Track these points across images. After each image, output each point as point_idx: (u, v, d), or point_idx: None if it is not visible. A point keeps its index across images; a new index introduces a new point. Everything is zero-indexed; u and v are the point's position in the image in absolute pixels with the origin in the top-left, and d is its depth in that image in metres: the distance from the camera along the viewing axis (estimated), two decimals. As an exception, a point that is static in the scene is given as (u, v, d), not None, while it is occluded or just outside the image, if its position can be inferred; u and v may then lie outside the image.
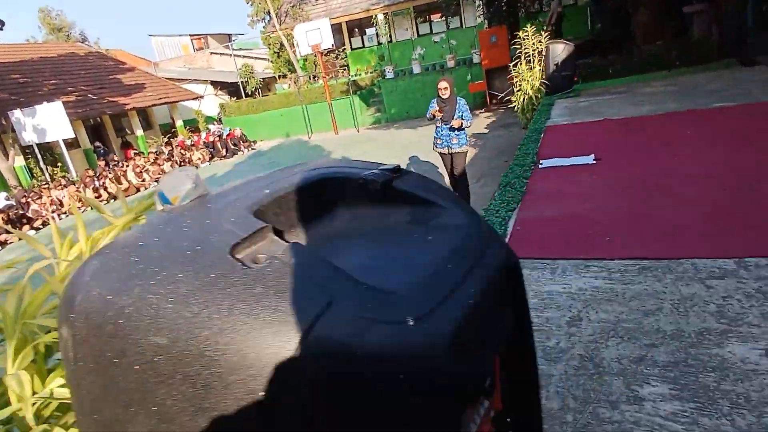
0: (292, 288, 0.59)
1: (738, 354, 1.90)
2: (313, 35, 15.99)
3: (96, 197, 13.06)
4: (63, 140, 14.11)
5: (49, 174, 14.80)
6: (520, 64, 9.04)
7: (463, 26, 18.80)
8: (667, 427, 1.64)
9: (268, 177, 0.92)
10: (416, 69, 16.71)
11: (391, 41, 19.79)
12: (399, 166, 0.95)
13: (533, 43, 8.96)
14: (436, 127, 6.30)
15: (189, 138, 18.65)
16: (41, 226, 11.86)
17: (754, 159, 3.98)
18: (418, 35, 19.78)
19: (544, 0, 17.12)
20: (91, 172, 14.05)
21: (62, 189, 13.05)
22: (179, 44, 29.43)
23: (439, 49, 18.92)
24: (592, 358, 2.05)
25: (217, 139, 17.59)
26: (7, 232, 11.33)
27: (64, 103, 14.53)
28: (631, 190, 3.81)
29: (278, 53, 22.91)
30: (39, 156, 14.37)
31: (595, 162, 4.60)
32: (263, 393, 0.55)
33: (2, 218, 11.38)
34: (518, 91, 8.99)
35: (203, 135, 18.21)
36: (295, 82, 20.81)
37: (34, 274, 1.36)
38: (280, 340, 0.56)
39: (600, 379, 1.92)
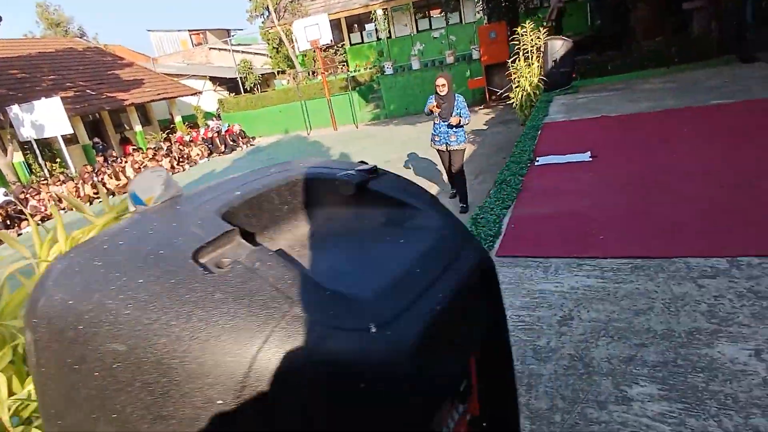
0: (253, 294, 0.58)
1: (727, 354, 1.89)
2: (311, 31, 15.93)
3: (94, 193, 13.06)
4: (61, 136, 14.08)
5: (48, 170, 14.79)
6: (519, 60, 9.01)
7: (463, 22, 18.73)
8: (654, 428, 1.64)
9: (242, 178, 0.90)
10: (415, 65, 16.66)
11: (390, 37, 19.72)
12: (376, 166, 0.94)
13: (532, 40, 8.92)
14: (434, 123, 6.28)
15: (188, 134, 18.62)
16: (40, 222, 11.86)
17: (751, 156, 3.96)
18: (418, 31, 19.71)
19: (544, -4, 17.06)
20: (89, 168, 14.04)
21: (61, 185, 13.05)
22: (178, 39, 29.35)
23: (439, 44, 18.86)
24: (582, 357, 2.05)
25: (216, 135, 17.56)
26: (7, 227, 11.33)
27: (62, 98, 14.50)
28: (627, 188, 3.80)
29: (277, 49, 22.86)
30: (37, 152, 14.35)
31: (591, 159, 4.59)
32: (221, 402, 0.54)
33: (0, 214, 11.38)
34: (516, 87, 8.97)
35: (202, 131, 18.18)
36: (294, 78, 20.76)
37: (18, 273, 1.36)
38: (238, 348, 0.55)
39: (589, 379, 1.92)
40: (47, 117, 13.78)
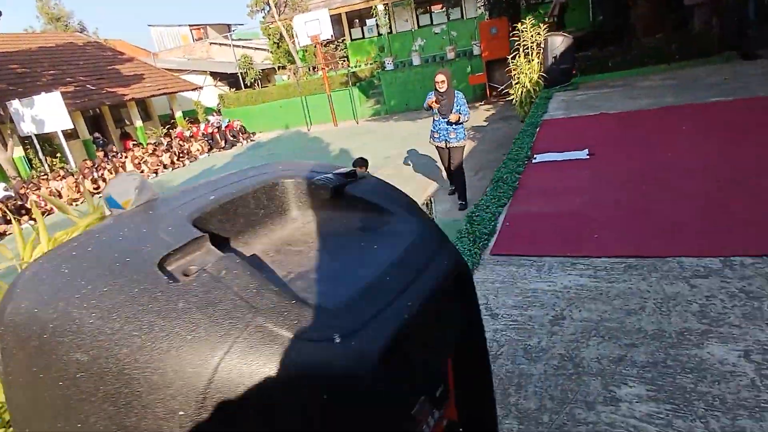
0: (216, 303, 0.58)
1: (717, 355, 1.89)
2: (312, 26, 15.89)
3: (95, 188, 13.06)
4: (62, 131, 14.08)
5: (48, 165, 14.79)
6: (519, 56, 8.97)
7: (464, 17, 18.66)
8: (642, 429, 1.64)
9: (219, 181, 0.90)
10: (416, 60, 16.61)
11: (391, 32, 19.66)
12: (355, 170, 0.93)
13: (532, 36, 8.88)
14: (434, 120, 6.26)
15: (188, 129, 18.60)
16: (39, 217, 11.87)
17: (748, 154, 3.95)
18: (419, 26, 19.65)
19: (545, -9, 16.98)
20: (89, 163, 14.05)
21: (61, 180, 13.05)
22: (178, 34, 29.28)
23: (440, 40, 18.80)
24: (572, 357, 2.05)
25: (216, 130, 17.55)
26: (7, 222, 11.35)
27: (62, 93, 14.48)
28: (624, 186, 3.79)
29: (278, 44, 22.79)
30: (38, 147, 14.35)
31: (588, 157, 4.57)
32: (183, 413, 0.54)
33: (0, 210, 11.40)
34: (516, 84, 8.93)
35: (202, 126, 18.17)
36: (294, 74, 20.71)
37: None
38: (199, 359, 0.55)
39: (578, 380, 1.92)
40: (47, 112, 13.78)
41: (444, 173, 7.08)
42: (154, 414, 0.55)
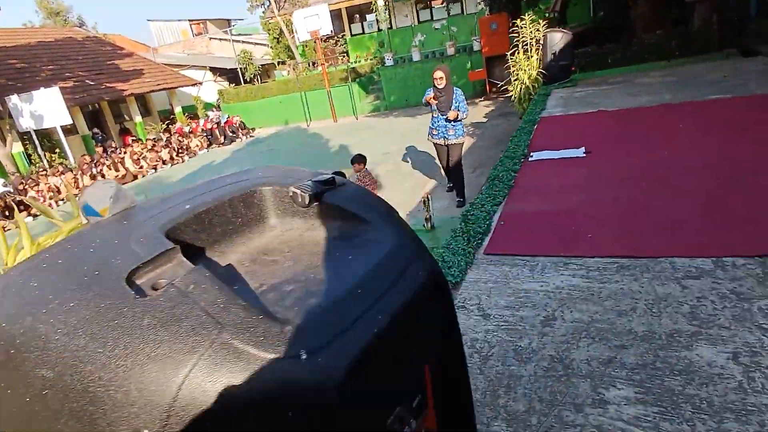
0: (181, 319, 0.58)
1: (705, 357, 1.89)
2: (311, 21, 15.82)
3: (93, 184, 13.06)
4: (60, 126, 14.06)
5: (47, 160, 14.79)
6: (518, 52, 8.94)
7: (464, 13, 18.58)
8: (628, 432, 1.64)
9: (197, 188, 0.90)
10: (416, 56, 16.57)
11: (391, 28, 19.59)
12: (334, 177, 0.93)
13: (531, 32, 8.84)
14: (432, 117, 6.24)
15: (187, 125, 18.58)
16: (39, 213, 11.89)
17: (746, 152, 3.94)
18: (419, 22, 19.56)
19: (546, -14, 16.88)
20: (88, 159, 14.03)
21: (60, 176, 13.05)
22: (178, 29, 29.19)
23: (440, 35, 18.73)
24: (563, 359, 2.05)
25: (216, 126, 17.53)
26: (5, 218, 11.36)
27: (61, 88, 14.45)
28: (619, 185, 3.78)
29: (278, 39, 22.73)
30: (36, 142, 14.34)
31: (585, 155, 4.57)
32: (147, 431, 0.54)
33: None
34: (515, 80, 8.90)
35: (201, 122, 18.15)
36: (294, 69, 20.66)
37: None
38: (164, 377, 0.55)
39: (568, 381, 1.92)
40: (46, 107, 13.76)
41: (442, 170, 7.08)
42: None
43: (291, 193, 0.88)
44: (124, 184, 13.47)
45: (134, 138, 17.55)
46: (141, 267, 0.65)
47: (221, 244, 0.84)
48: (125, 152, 14.83)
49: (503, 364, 2.10)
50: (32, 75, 16.52)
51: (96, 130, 17.74)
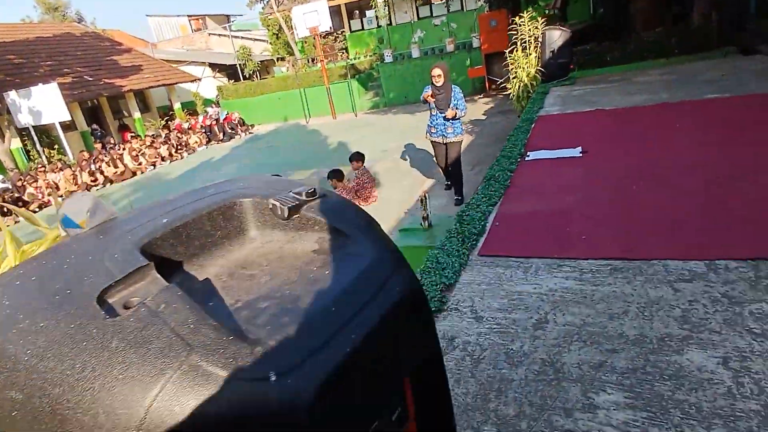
0: (151, 341, 0.58)
1: (696, 362, 1.89)
2: (310, 18, 15.79)
3: (92, 181, 13.07)
4: (59, 123, 14.05)
5: (46, 156, 14.78)
6: (516, 50, 8.92)
7: (464, 9, 18.53)
8: (617, 437, 1.65)
9: (176, 201, 0.90)
10: (415, 53, 16.53)
11: (390, 24, 19.54)
12: (315, 189, 0.93)
13: (529, 29, 8.82)
14: (431, 114, 6.23)
15: (186, 121, 18.56)
16: (37, 209, 11.88)
17: (743, 153, 3.93)
18: (418, 18, 19.51)
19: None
20: (86, 155, 14.02)
21: (59, 172, 13.04)
22: (177, 25, 29.12)
23: (439, 32, 18.69)
24: (554, 362, 2.05)
25: (215, 122, 17.51)
26: (3, 215, 11.35)
27: (60, 84, 14.43)
28: (615, 186, 3.78)
29: (277, 35, 22.67)
30: (35, 138, 14.33)
31: (581, 155, 4.56)
32: (114, 455, 0.54)
33: (-3, 202, 11.40)
34: (514, 78, 8.88)
35: (200, 118, 18.12)
36: (293, 65, 20.62)
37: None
38: (131, 399, 0.55)
39: (558, 386, 1.92)
40: (44, 103, 13.74)
41: (439, 169, 7.07)
42: (87, 455, 0.55)
43: (270, 206, 0.88)
44: (123, 180, 13.47)
45: (133, 134, 17.54)
46: (113, 285, 0.65)
47: (199, 257, 0.84)
48: (124, 149, 14.81)
49: (495, 367, 2.10)
50: (30, 70, 16.49)
51: (95, 126, 17.72)
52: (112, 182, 13.34)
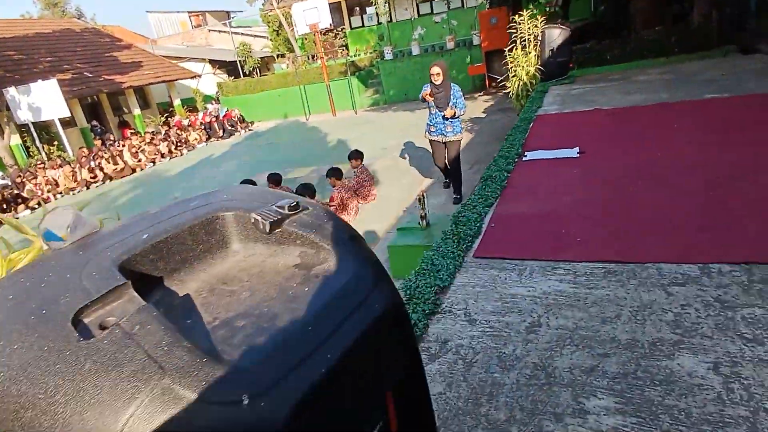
0: (124, 364, 0.58)
1: (686, 367, 1.90)
2: (310, 14, 15.75)
3: (92, 177, 13.07)
4: (59, 119, 14.05)
5: (46, 153, 14.78)
6: (516, 48, 8.89)
7: (464, 6, 18.47)
8: (606, 443, 1.65)
9: (158, 214, 0.90)
10: (415, 50, 16.49)
11: (390, 21, 19.48)
12: (298, 203, 0.93)
13: (529, 28, 8.79)
14: (430, 113, 6.22)
15: (186, 118, 18.55)
16: (37, 206, 11.89)
17: (740, 154, 3.92)
18: (419, 15, 19.45)
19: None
20: (86, 152, 14.02)
21: (58, 169, 13.04)
22: (177, 21, 29.05)
23: (440, 29, 18.64)
24: (546, 367, 2.06)
25: (214, 119, 17.49)
26: (3, 211, 11.36)
27: (59, 80, 14.44)
28: (611, 187, 3.77)
29: (277, 31, 22.62)
30: (35, 134, 14.33)
31: (578, 155, 4.55)
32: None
33: (-3, 198, 11.40)
34: (513, 76, 8.86)
35: (200, 115, 18.11)
36: (293, 62, 20.58)
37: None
38: (103, 424, 0.55)
39: (549, 390, 1.93)
40: (44, 99, 13.75)
41: (436, 168, 7.06)
42: (59, 479, 0.55)
43: (253, 220, 0.88)
44: (122, 177, 13.47)
45: (133, 131, 17.53)
46: (89, 305, 0.65)
47: (180, 272, 0.84)
48: (124, 145, 14.81)
49: (487, 371, 2.10)
50: (30, 67, 16.48)
51: (95, 122, 17.72)
52: (111, 179, 13.34)
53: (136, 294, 0.69)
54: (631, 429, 1.68)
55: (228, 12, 31.37)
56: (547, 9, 14.89)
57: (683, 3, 10.39)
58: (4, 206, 11.40)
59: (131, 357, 0.59)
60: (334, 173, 6.95)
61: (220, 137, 16.94)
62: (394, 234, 5.58)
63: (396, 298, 0.84)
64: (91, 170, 13.14)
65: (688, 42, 8.68)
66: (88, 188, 12.88)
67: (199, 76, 22.10)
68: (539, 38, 8.65)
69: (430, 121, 6.29)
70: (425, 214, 5.73)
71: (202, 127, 17.22)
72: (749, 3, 9.10)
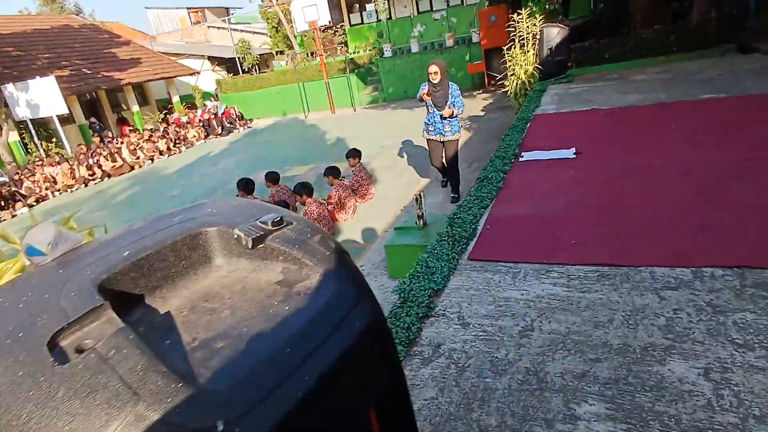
0: (98, 390, 0.58)
1: (677, 372, 1.90)
2: (309, 11, 15.70)
3: (90, 175, 13.05)
4: (57, 116, 14.02)
5: (44, 150, 14.75)
6: (514, 47, 8.87)
7: (464, 3, 18.38)
8: (596, 450, 1.66)
9: (140, 230, 0.90)
10: (414, 48, 16.45)
11: (390, 18, 19.41)
12: (282, 217, 0.93)
13: (527, 26, 8.77)
14: (428, 112, 6.20)
15: (185, 115, 18.51)
16: (35, 203, 11.89)
17: (737, 156, 3.92)
18: (418, 12, 19.37)
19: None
20: (84, 149, 14.00)
21: (56, 166, 13.02)
22: (176, 17, 28.98)
23: (439, 26, 18.57)
24: (537, 372, 2.06)
25: (213, 116, 17.46)
26: (1, 208, 11.35)
27: (58, 77, 14.41)
28: (606, 189, 3.77)
29: (276, 28, 22.56)
30: (33, 131, 14.30)
31: (575, 156, 4.55)
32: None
33: (-5, 196, 11.39)
34: (512, 75, 8.85)
35: (199, 112, 18.08)
36: (292, 59, 20.53)
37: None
38: (74, 452, 0.55)
39: (541, 396, 1.93)
40: (42, 96, 13.72)
41: (432, 168, 7.05)
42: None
43: (235, 236, 0.88)
44: (121, 174, 13.46)
45: (131, 128, 17.50)
46: (66, 328, 0.65)
47: (162, 289, 0.84)
48: (122, 142, 14.79)
49: (479, 376, 2.11)
50: (28, 63, 16.43)
51: (93, 119, 17.69)
52: (109, 176, 13.32)
53: (114, 315, 0.69)
54: (621, 435, 1.69)
55: (227, 8, 31.31)
56: (547, 6, 14.87)
57: (683, 1, 10.36)
58: (2, 204, 11.39)
59: (105, 383, 0.59)
60: (332, 172, 6.94)
61: (219, 134, 16.92)
62: (392, 233, 5.59)
63: (378, 315, 0.84)
64: (89, 167, 13.12)
65: (686, 41, 8.66)
66: (86, 185, 12.87)
67: (198, 72, 22.05)
68: (538, 37, 8.62)
69: (428, 120, 6.27)
70: (422, 213, 5.74)
71: (201, 124, 17.19)
72: (749, 1, 9.08)
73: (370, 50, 19.36)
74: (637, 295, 2.42)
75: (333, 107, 16.89)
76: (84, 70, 17.53)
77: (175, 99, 20.90)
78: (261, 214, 0.95)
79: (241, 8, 33.33)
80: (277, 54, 23.01)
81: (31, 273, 0.79)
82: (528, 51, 8.70)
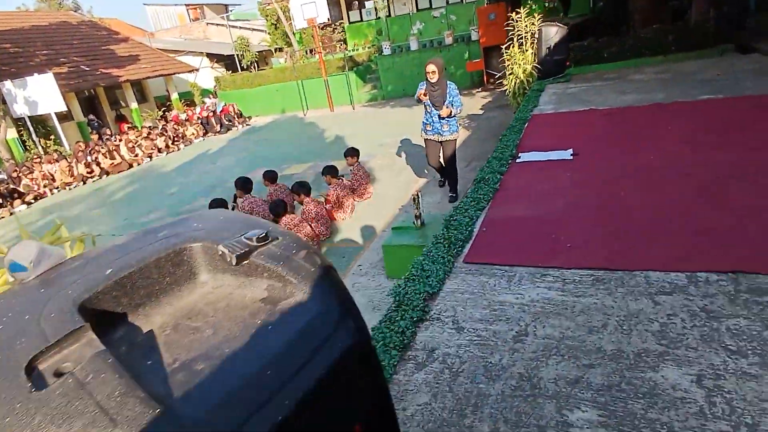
0: (74, 417, 0.58)
1: (670, 379, 1.90)
2: (308, 8, 15.65)
3: (88, 172, 13.03)
4: (55, 113, 13.99)
5: (42, 147, 14.72)
6: (513, 46, 8.85)
7: (463, 1, 18.33)
8: (587, 458, 1.66)
9: (124, 246, 0.89)
10: (413, 45, 16.40)
11: (389, 15, 19.36)
12: (267, 233, 0.92)
13: (526, 25, 8.74)
14: (426, 112, 6.17)
15: (183, 112, 18.47)
16: (33, 201, 11.87)
17: (734, 158, 3.91)
18: (417, 9, 19.31)
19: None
20: (83, 146, 13.97)
21: (54, 163, 13.00)
22: (175, 14, 28.89)
23: (438, 24, 18.51)
24: (531, 377, 2.06)
25: (212, 114, 17.43)
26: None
27: (56, 74, 14.36)
28: (603, 191, 3.77)
29: (275, 25, 22.50)
30: (31, 128, 14.27)
31: (572, 157, 4.54)
32: None
33: (-7, 193, 11.37)
34: (510, 74, 8.82)
35: (197, 110, 18.04)
36: (291, 57, 20.48)
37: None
38: (50, 479, 0.55)
39: (534, 402, 1.93)
40: (40, 93, 13.69)
41: (430, 167, 7.04)
42: None
43: (220, 253, 0.88)
44: (119, 172, 13.43)
45: (130, 125, 17.46)
46: (44, 351, 0.64)
47: (146, 306, 0.83)
48: (120, 140, 14.76)
49: (472, 381, 2.11)
50: (26, 60, 16.39)
51: (92, 116, 17.65)
52: (108, 174, 13.30)
53: (94, 337, 0.69)
54: (613, 443, 1.69)
55: (226, 5, 31.21)
56: (546, 5, 14.84)
57: (682, 1, 10.33)
58: (0, 201, 11.37)
59: (82, 410, 0.59)
60: (330, 171, 6.93)
61: (218, 132, 16.88)
62: (389, 233, 5.58)
63: (362, 334, 0.84)
64: (87, 165, 13.10)
65: (686, 40, 8.63)
66: (84, 183, 12.85)
67: (197, 69, 22.00)
68: (536, 36, 8.60)
69: (426, 120, 6.25)
70: (420, 213, 5.73)
71: (200, 121, 17.16)
72: (748, 1, 9.06)
73: (369, 48, 19.31)
74: (631, 300, 2.42)
75: (332, 105, 16.85)
76: (82, 67, 17.49)
77: (174, 96, 20.85)
78: (247, 229, 0.94)
79: (239, 5, 33.24)
80: (275, 51, 22.97)
81: (12, 292, 0.79)
82: (527, 50, 8.68)
